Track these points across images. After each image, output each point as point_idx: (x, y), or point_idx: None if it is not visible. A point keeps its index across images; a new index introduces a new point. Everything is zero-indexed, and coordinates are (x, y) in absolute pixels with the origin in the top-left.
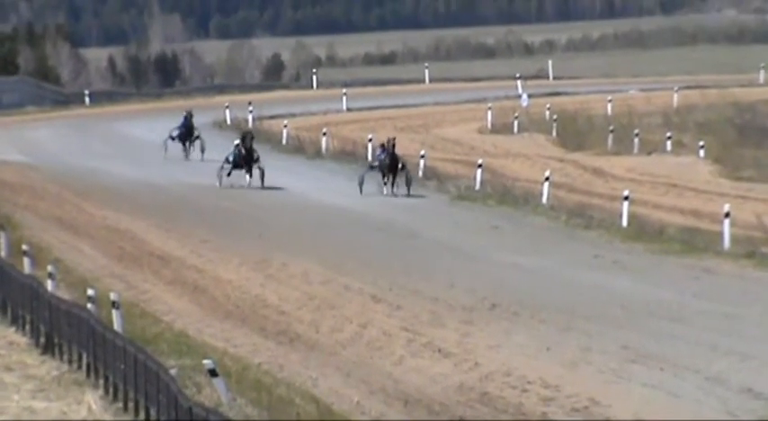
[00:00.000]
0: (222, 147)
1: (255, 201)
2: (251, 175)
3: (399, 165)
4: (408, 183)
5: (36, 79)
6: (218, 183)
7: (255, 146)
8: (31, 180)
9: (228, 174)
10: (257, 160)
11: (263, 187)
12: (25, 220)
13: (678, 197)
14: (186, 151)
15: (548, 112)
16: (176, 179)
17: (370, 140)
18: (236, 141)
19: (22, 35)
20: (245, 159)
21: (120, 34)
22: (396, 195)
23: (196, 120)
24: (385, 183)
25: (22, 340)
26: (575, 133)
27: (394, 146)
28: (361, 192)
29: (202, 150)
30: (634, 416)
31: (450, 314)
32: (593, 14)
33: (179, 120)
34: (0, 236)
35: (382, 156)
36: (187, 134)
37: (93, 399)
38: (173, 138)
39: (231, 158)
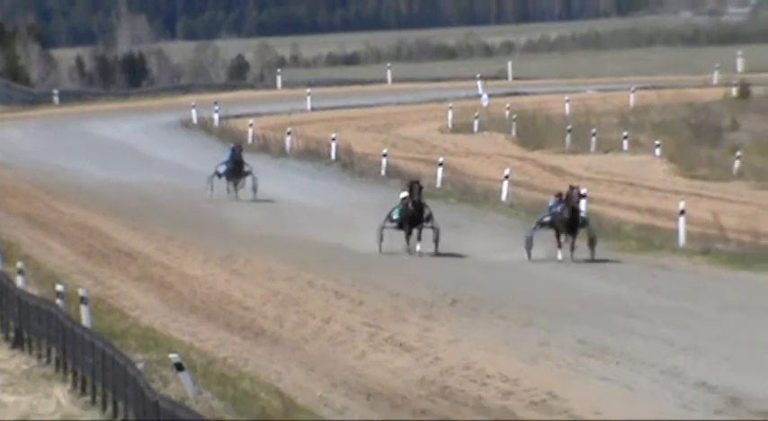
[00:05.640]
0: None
1: (219, 198)
2: (419, 238)
3: (579, 222)
4: (592, 244)
5: (5, 79)
6: (377, 248)
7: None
8: (1, 178)
9: (408, 242)
10: (429, 218)
11: (436, 254)
12: None
13: (635, 195)
14: (235, 190)
15: (507, 112)
16: (144, 178)
17: (334, 139)
18: (403, 194)
19: None
20: (413, 218)
21: (89, 35)
22: (575, 260)
23: (163, 121)
24: (560, 245)
25: None
26: (533, 132)
27: (579, 196)
28: (529, 256)
29: (254, 189)
30: (591, 409)
31: (411, 309)
32: (552, 16)
33: (225, 155)
34: None
35: (558, 210)
36: (236, 170)
37: (61, 393)
38: (219, 175)
39: (395, 216)
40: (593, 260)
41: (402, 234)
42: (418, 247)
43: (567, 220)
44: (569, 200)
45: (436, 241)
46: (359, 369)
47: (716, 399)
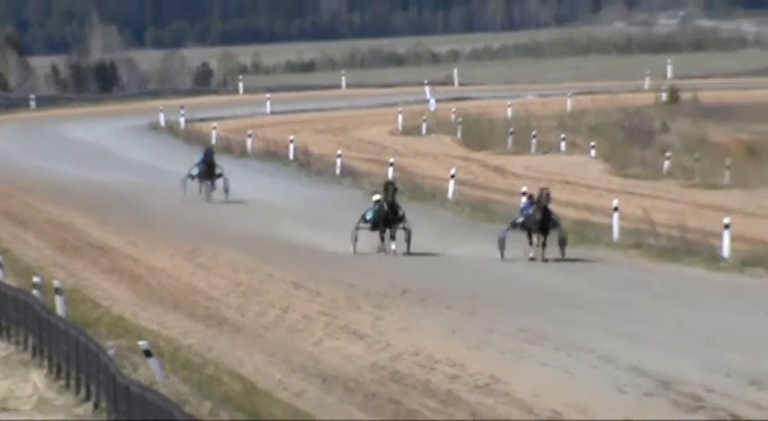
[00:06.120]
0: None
1: (192, 199)
2: (393, 238)
3: (551, 222)
4: (563, 244)
5: None
6: (351, 249)
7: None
8: None
9: (381, 248)
10: (402, 218)
11: (408, 253)
12: None
13: (572, 193)
14: (207, 192)
15: (453, 116)
16: (115, 177)
17: (292, 141)
18: (376, 197)
19: None
20: (386, 218)
21: (63, 44)
22: (546, 260)
23: (133, 124)
24: (532, 244)
25: None
26: (478, 135)
27: (549, 196)
28: (502, 256)
29: (226, 190)
30: (532, 392)
31: (364, 299)
32: (495, 27)
33: (198, 157)
34: None
35: (530, 211)
36: (208, 172)
37: (38, 378)
38: (192, 177)
39: (369, 217)
40: (563, 259)
41: (371, 234)
42: (393, 246)
43: (539, 222)
44: (540, 201)
45: (408, 241)
46: (315, 355)
47: (648, 383)
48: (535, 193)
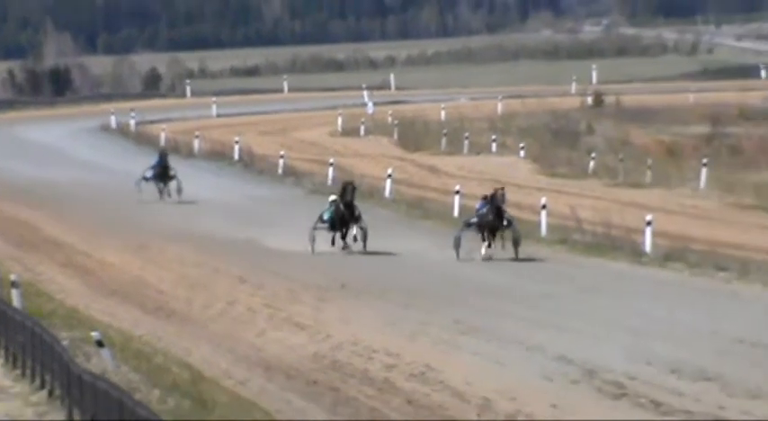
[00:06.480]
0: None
1: (147, 199)
2: (344, 238)
3: (504, 222)
4: (516, 244)
5: None
6: (309, 249)
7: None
8: None
9: (333, 242)
10: (359, 218)
11: (365, 251)
12: None
13: None
14: (161, 192)
15: (390, 118)
16: (69, 176)
17: (237, 142)
18: (332, 197)
19: None
20: (343, 218)
21: (19, 50)
22: (492, 258)
23: (86, 126)
24: (487, 243)
25: None
26: (413, 136)
27: (504, 197)
28: (458, 255)
29: (179, 191)
30: (464, 380)
31: (305, 292)
32: (429, 34)
33: (153, 159)
34: None
35: (484, 211)
36: (162, 174)
37: None
38: (146, 179)
39: (326, 217)
40: (516, 259)
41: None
42: (347, 245)
43: (491, 221)
44: (494, 201)
45: (364, 239)
46: (259, 345)
47: (574, 371)
48: (494, 194)
